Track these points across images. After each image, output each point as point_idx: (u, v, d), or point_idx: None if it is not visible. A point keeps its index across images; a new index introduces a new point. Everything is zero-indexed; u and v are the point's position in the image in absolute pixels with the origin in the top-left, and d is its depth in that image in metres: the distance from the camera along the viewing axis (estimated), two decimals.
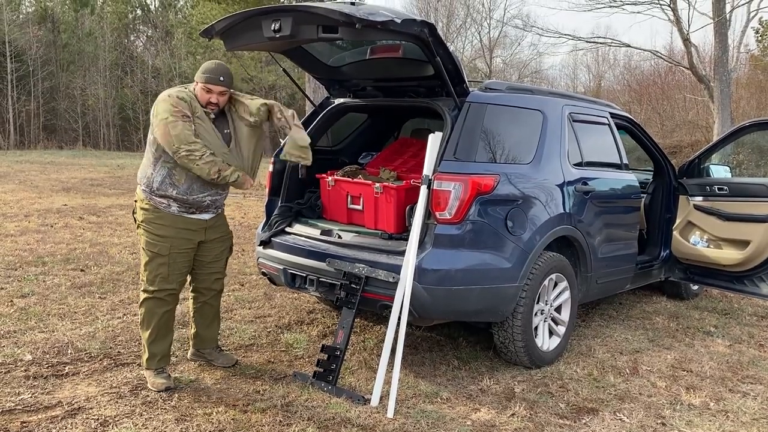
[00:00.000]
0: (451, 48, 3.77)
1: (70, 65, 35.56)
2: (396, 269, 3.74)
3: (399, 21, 3.36)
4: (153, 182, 3.66)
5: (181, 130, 3.50)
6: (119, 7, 39.36)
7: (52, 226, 8.60)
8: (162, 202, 3.67)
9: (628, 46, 20.02)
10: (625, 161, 5.17)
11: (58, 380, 3.80)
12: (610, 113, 5.21)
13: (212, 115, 3.71)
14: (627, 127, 5.48)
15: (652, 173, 5.94)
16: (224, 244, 3.98)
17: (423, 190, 3.76)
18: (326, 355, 3.79)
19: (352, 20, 3.27)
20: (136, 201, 3.80)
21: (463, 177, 3.77)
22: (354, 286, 3.85)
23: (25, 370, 3.90)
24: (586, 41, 21.33)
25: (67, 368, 3.96)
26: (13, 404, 3.47)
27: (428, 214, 3.78)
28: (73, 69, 35.35)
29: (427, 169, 3.79)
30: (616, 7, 18.83)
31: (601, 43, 21.84)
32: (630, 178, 5.15)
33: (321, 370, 3.77)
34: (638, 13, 19.19)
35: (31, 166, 18.26)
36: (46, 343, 4.32)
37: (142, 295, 3.78)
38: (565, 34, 22.56)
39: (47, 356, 4.12)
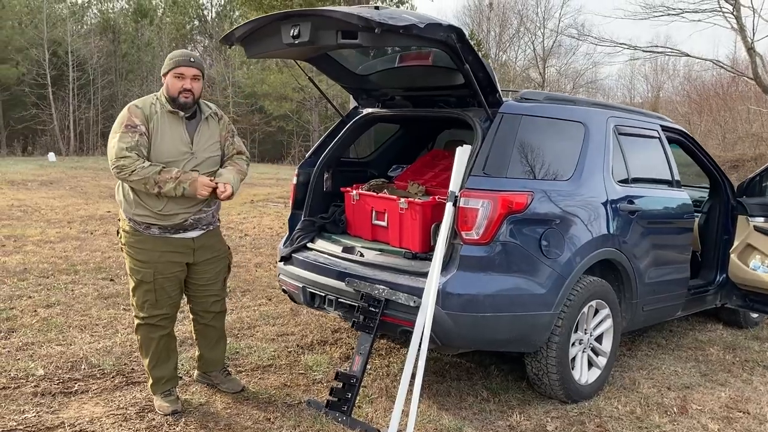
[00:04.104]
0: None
1: (129, 74, 36.69)
2: (418, 292, 3.47)
3: (422, 26, 3.11)
4: (127, 204, 3.42)
5: (116, 143, 3.25)
6: (177, 18, 40.47)
7: (91, 233, 8.65)
8: (141, 224, 3.42)
9: (688, 55, 19.33)
10: (677, 178, 4.76)
11: (65, 398, 3.67)
12: (660, 126, 4.82)
13: (184, 114, 3.40)
14: (680, 140, 5.07)
15: (707, 191, 5.50)
16: (218, 265, 3.69)
17: (449, 208, 3.48)
18: (341, 383, 3.53)
19: (371, 25, 3.03)
20: (119, 220, 3.56)
21: (492, 194, 3.47)
22: (373, 309, 3.59)
23: (35, 386, 3.78)
24: (644, 51, 20.65)
25: (77, 385, 3.83)
26: (15, 423, 3.34)
27: (454, 233, 3.49)
28: (131, 78, 36.46)
29: (454, 184, 3.51)
30: (674, 15, 18.14)
31: (659, 52, 21.13)
32: (682, 196, 4.74)
33: (335, 399, 3.51)
34: (699, 21, 18.52)
35: (84, 172, 18.72)
36: (60, 357, 4.21)
37: (135, 321, 3.58)
38: (622, 44, 21.76)
39: (60, 371, 4.00)
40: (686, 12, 17.83)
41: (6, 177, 15.71)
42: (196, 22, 41.91)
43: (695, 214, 4.99)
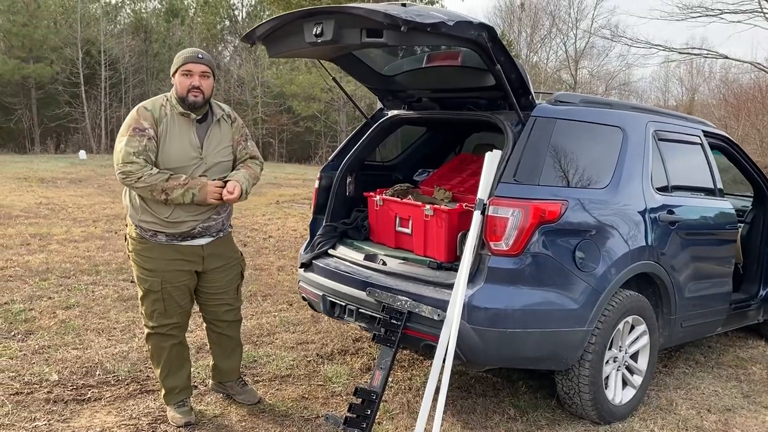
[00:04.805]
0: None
1: (160, 73, 36.96)
2: (442, 305, 3.28)
3: (452, 24, 2.93)
4: (133, 209, 3.30)
5: (122, 148, 3.11)
6: (208, 18, 40.76)
7: (116, 233, 8.62)
8: (147, 231, 3.28)
9: (726, 57, 18.78)
10: (720, 186, 4.51)
11: (78, 406, 3.57)
12: (703, 131, 4.56)
13: (196, 115, 3.26)
14: (723, 147, 4.81)
15: (751, 200, 5.22)
16: (229, 273, 3.52)
17: (476, 216, 3.29)
18: (360, 399, 3.36)
19: (397, 22, 2.86)
20: (126, 226, 3.43)
21: (523, 202, 3.27)
22: (395, 321, 3.41)
23: (48, 392, 3.69)
24: (679, 52, 20.13)
25: (90, 392, 3.73)
26: (25, 431, 3.25)
27: (482, 243, 3.30)
28: (162, 77, 36.72)
29: (482, 192, 3.32)
30: (713, 16, 17.61)
31: (695, 54, 20.57)
32: (725, 205, 4.48)
33: (353, 415, 3.34)
34: (738, 22, 17.83)
35: (113, 170, 18.80)
36: (76, 362, 4.12)
37: (145, 330, 3.45)
38: (656, 45, 21.31)
39: (74, 377, 3.91)
40: (725, 13, 17.30)
41: (37, 174, 15.87)
42: (227, 22, 42.12)
43: (738, 224, 4.73)
